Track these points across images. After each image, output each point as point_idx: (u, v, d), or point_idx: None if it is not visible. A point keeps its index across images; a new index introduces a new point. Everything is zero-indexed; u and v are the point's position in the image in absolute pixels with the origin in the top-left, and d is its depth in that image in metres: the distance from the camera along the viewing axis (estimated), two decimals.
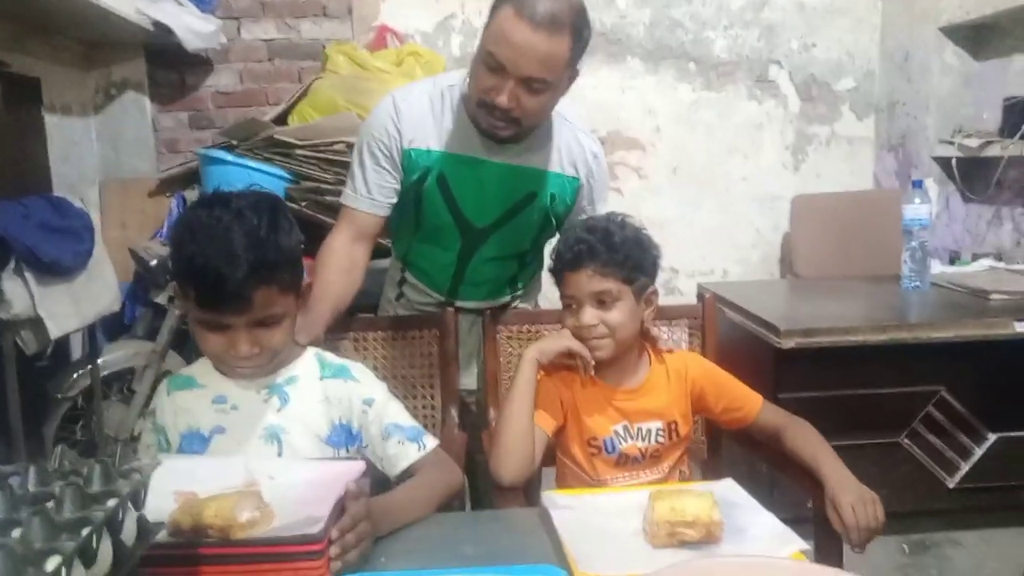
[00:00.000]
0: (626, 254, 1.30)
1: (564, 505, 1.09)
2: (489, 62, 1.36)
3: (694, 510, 0.95)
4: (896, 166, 3.31)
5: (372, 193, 1.54)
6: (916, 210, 2.37)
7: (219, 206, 1.11)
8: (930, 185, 3.09)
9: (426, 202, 1.57)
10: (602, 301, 1.30)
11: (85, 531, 0.53)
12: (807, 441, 1.30)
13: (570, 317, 1.33)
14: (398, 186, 1.56)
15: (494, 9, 1.37)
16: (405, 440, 1.20)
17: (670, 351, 1.44)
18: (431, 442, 1.22)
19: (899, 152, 3.29)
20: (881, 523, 1.17)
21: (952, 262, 2.88)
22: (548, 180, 1.56)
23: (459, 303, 1.69)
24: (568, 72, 1.40)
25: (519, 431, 1.29)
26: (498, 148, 1.52)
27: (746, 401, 1.38)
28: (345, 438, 1.22)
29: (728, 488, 1.13)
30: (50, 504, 0.57)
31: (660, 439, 1.35)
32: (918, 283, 2.41)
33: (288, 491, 0.98)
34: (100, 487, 0.60)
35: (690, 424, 1.40)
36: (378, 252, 1.68)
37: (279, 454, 1.17)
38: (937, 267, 2.63)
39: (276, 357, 1.19)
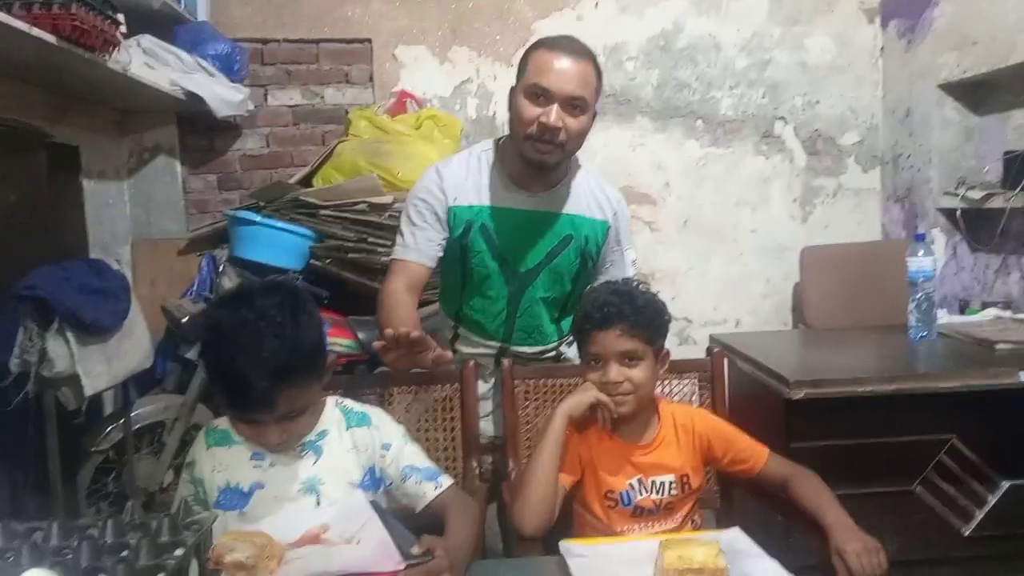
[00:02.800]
0: (650, 317, 1.40)
1: (580, 554, 1.15)
2: (535, 90, 1.58)
3: (701, 558, 1.01)
4: (903, 216, 3.39)
5: (419, 245, 1.69)
6: (920, 263, 2.43)
7: (245, 306, 1.17)
8: (937, 235, 3.16)
9: (472, 253, 1.71)
10: (628, 359, 1.38)
11: None
12: (811, 491, 1.35)
13: (593, 374, 1.41)
14: (443, 241, 1.71)
15: (525, 60, 1.63)
16: (422, 480, 1.31)
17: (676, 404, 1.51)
18: (446, 480, 1.33)
19: (905, 203, 3.36)
20: (885, 571, 1.22)
21: (962, 311, 2.92)
22: (581, 223, 1.74)
23: (514, 348, 1.79)
24: (595, 100, 1.63)
25: (544, 484, 1.35)
26: (534, 197, 1.70)
27: (752, 453, 1.44)
28: (373, 482, 1.30)
29: (734, 536, 1.19)
30: (127, 553, 0.65)
31: (673, 491, 1.41)
32: (925, 333, 2.46)
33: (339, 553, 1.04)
34: (168, 537, 0.68)
35: (701, 476, 1.46)
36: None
37: (317, 504, 1.24)
38: (944, 316, 2.68)
39: (301, 440, 1.27)
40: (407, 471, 1.31)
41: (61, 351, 1.93)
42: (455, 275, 1.77)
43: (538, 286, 1.74)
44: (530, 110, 1.58)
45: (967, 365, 2.21)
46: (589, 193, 1.76)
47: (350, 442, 1.31)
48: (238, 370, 1.13)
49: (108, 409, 2.67)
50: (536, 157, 1.62)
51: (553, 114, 1.56)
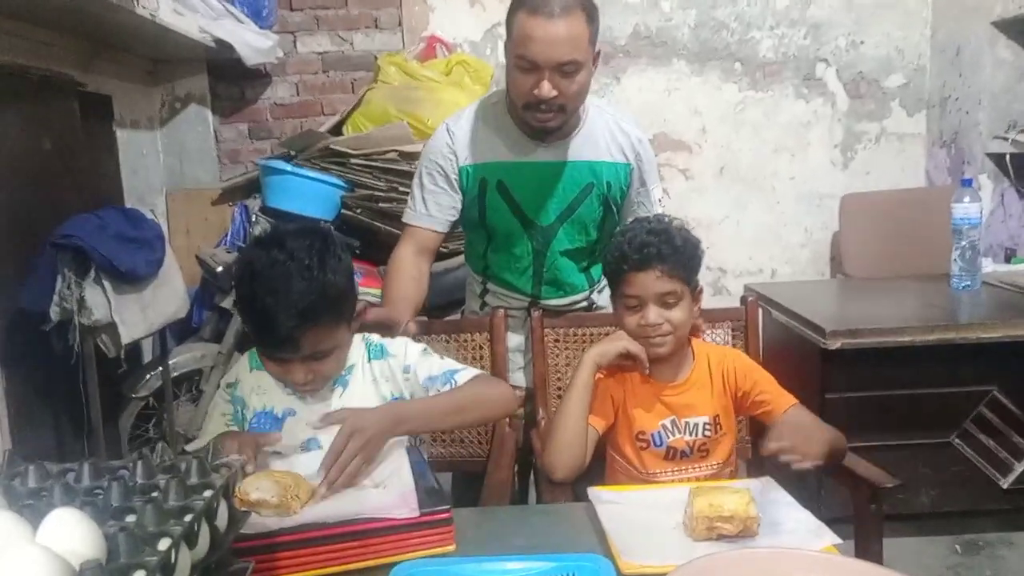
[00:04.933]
0: (688, 256, 1.36)
1: (609, 500, 1.15)
2: (522, 64, 1.49)
3: (731, 505, 1.00)
4: (948, 162, 3.27)
5: (430, 210, 1.66)
6: (966, 209, 2.35)
7: (276, 248, 1.21)
8: (984, 181, 3.05)
9: (491, 211, 1.67)
10: (666, 301, 1.35)
11: (188, 517, 0.62)
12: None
13: (631, 316, 1.37)
14: (457, 204, 1.67)
15: (509, 22, 1.52)
16: (440, 387, 1.31)
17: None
18: (464, 376, 1.32)
19: (951, 148, 3.25)
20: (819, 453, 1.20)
21: (1008, 260, 2.84)
22: (602, 169, 1.67)
23: (544, 302, 1.77)
24: (591, 50, 1.52)
25: (573, 430, 1.34)
26: (549, 148, 1.63)
27: (775, 396, 1.40)
28: None
29: (766, 485, 1.18)
30: (156, 494, 0.66)
31: (707, 432, 1.39)
32: (969, 282, 2.39)
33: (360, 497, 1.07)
34: (197, 479, 0.69)
35: (732, 417, 1.44)
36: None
37: None
38: (989, 266, 2.61)
39: (330, 380, 1.29)
40: (427, 383, 1.33)
41: (99, 299, 1.97)
42: (478, 234, 1.75)
43: (562, 239, 1.70)
44: (521, 82, 1.50)
45: (1011, 315, 2.15)
46: (608, 135, 1.68)
47: (371, 374, 1.34)
48: (265, 309, 1.17)
49: (147, 357, 2.73)
50: (538, 125, 1.57)
51: (545, 87, 1.47)
